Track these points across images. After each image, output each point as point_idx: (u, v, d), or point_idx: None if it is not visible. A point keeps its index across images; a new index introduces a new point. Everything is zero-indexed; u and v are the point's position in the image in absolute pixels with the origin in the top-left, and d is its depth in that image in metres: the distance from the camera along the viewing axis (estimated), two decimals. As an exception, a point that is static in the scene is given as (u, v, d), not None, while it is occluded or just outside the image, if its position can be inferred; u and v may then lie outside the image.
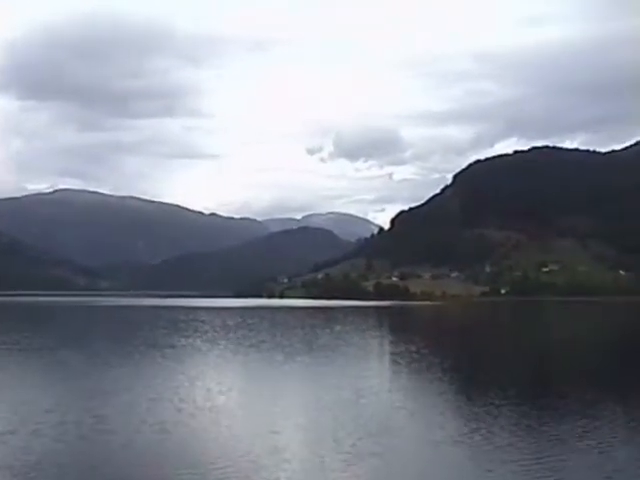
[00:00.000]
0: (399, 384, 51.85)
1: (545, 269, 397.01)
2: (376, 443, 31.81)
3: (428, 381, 53.22)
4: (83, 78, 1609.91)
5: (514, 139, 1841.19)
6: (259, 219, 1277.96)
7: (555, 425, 36.44)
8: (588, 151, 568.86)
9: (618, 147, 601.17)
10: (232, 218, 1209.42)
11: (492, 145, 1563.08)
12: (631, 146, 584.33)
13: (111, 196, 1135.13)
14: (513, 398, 44.81)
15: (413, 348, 78.33)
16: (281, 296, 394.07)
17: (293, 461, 28.84)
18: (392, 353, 75.92)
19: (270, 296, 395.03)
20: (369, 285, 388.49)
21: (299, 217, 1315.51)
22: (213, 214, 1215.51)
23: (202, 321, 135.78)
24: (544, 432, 34.64)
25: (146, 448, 31.11)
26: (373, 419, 37.46)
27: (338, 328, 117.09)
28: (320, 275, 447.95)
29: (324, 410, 40.08)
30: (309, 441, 32.67)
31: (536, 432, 34.68)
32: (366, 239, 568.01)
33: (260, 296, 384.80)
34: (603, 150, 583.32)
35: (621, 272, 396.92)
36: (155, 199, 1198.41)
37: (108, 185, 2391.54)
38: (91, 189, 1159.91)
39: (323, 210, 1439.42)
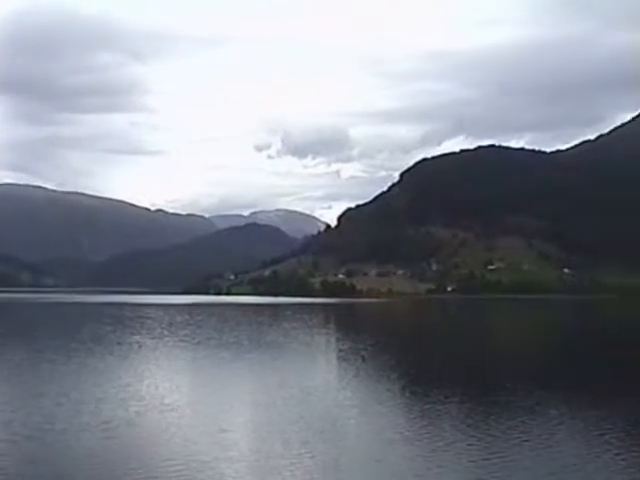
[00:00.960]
0: (348, 381, 51.75)
1: (491, 267, 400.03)
2: (325, 441, 31.89)
3: (376, 378, 53.46)
4: (30, 73, 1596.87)
5: (461, 138, 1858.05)
6: (206, 215, 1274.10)
7: (502, 421, 36.73)
8: (534, 151, 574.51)
9: (563, 147, 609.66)
10: (179, 214, 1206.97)
11: (439, 144, 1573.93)
12: (576, 146, 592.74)
13: (56, 191, 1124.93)
14: (461, 395, 45.16)
15: (361, 345, 78.73)
16: (228, 293, 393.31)
17: (242, 460, 28.74)
18: (340, 350, 76.00)
19: (217, 293, 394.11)
20: (316, 282, 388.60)
21: (246, 214, 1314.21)
22: (160, 210, 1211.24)
23: (149, 318, 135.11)
24: (492, 429, 34.92)
25: (93, 448, 30.58)
26: (322, 417, 37.49)
27: (286, 325, 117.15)
28: (267, 272, 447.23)
29: (273, 408, 40.02)
30: (258, 440, 32.46)
31: (484, 429, 34.89)
32: (313, 236, 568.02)
33: (207, 293, 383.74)
34: (548, 150, 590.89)
35: (565, 270, 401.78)
36: (101, 195, 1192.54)
37: (53, 180, 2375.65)
38: (36, 184, 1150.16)
39: (271, 207, 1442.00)
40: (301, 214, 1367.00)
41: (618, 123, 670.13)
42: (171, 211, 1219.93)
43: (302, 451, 29.91)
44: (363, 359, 64.91)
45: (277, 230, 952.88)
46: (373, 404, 41.91)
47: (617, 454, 30.05)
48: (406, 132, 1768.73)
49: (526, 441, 32.35)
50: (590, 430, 34.87)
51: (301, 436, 32.73)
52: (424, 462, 28.56)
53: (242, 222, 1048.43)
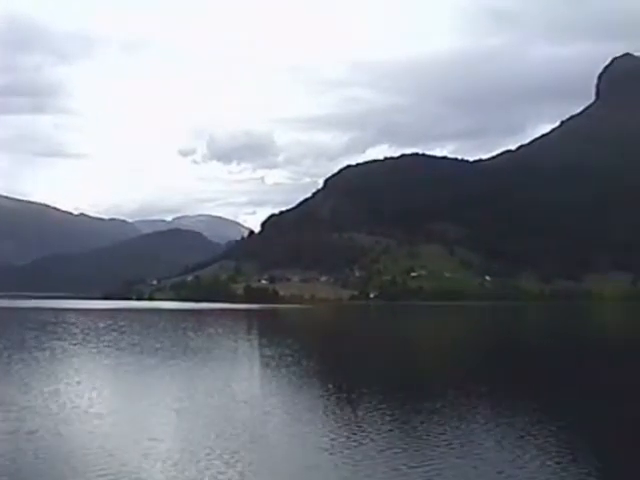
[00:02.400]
0: (275, 388, 51.85)
1: (413, 274, 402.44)
2: (255, 450, 31.85)
3: (303, 385, 53.50)
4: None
5: (385, 146, 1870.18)
6: (129, 220, 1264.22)
7: (429, 427, 37.10)
8: (456, 159, 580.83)
9: (485, 156, 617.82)
10: (102, 219, 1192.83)
11: (364, 151, 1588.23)
12: (497, 155, 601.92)
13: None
14: (388, 401, 45.32)
15: (285, 351, 78.86)
16: (150, 298, 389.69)
17: (170, 470, 28.50)
18: (266, 356, 75.85)
19: (139, 298, 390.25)
20: (238, 288, 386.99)
21: (170, 219, 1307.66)
22: (82, 214, 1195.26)
23: (72, 323, 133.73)
24: (419, 434, 35.29)
25: (17, 459, 29.95)
26: (251, 425, 37.42)
27: (210, 331, 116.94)
28: (189, 277, 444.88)
29: (201, 416, 39.96)
30: (187, 449, 32.13)
31: (411, 434, 35.25)
32: (236, 242, 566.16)
33: (129, 298, 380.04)
34: (471, 159, 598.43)
35: (487, 278, 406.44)
36: (23, 198, 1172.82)
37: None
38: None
39: (194, 212, 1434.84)
40: (225, 220, 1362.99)
41: (538, 134, 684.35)
42: (94, 215, 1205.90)
43: (232, 460, 29.78)
44: (289, 365, 65.17)
45: (200, 235, 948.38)
46: (301, 411, 41.98)
47: (538, 456, 30.55)
48: (331, 139, 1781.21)
49: (454, 447, 32.68)
50: (518, 435, 35.20)
51: (230, 444, 32.62)
52: (355, 469, 28.72)
53: (165, 227, 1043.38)
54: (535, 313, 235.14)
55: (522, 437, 35.14)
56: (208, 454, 30.92)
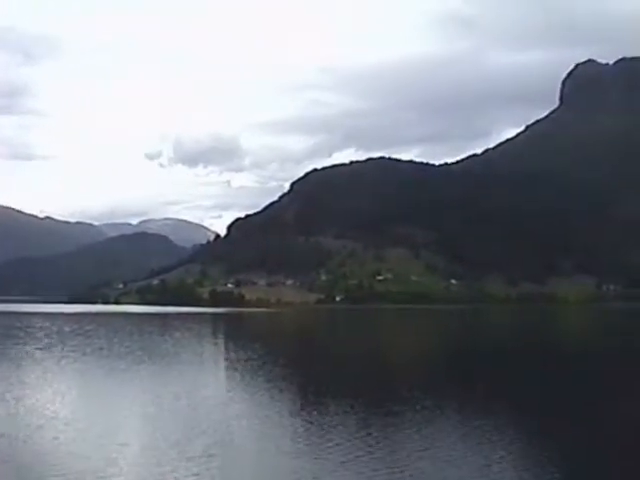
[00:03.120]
0: (240, 392, 51.84)
1: (379, 277, 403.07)
2: (218, 454, 31.79)
3: (270, 388, 53.33)
4: None
5: (352, 150, 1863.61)
6: (95, 224, 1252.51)
7: (396, 430, 37.36)
8: (422, 163, 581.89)
9: (451, 160, 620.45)
10: (68, 222, 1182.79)
11: (330, 155, 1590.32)
12: (463, 159, 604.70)
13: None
14: (354, 405, 45.51)
15: (251, 355, 78.84)
16: (116, 302, 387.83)
17: (136, 475, 28.53)
18: (232, 360, 75.95)
19: (105, 302, 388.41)
20: (204, 292, 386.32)
21: (135, 222, 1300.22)
22: (48, 218, 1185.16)
23: (37, 327, 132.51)
24: (385, 437, 35.48)
25: None
26: (214, 428, 37.39)
27: (177, 335, 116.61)
28: (155, 281, 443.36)
29: (169, 420, 39.94)
30: (155, 454, 32.00)
31: (377, 438, 35.35)
32: (202, 245, 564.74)
33: (95, 302, 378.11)
34: (437, 163, 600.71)
35: (452, 281, 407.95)
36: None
37: None
38: None
39: (160, 216, 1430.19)
40: (191, 223, 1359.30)
41: (504, 138, 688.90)
42: (60, 218, 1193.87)
43: (199, 464, 29.69)
44: (255, 369, 65.14)
45: (166, 239, 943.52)
46: (268, 415, 41.95)
47: (504, 458, 30.72)
48: (298, 143, 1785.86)
49: (420, 450, 32.78)
50: (482, 437, 35.34)
51: (197, 448, 32.52)
52: (321, 472, 28.82)
53: (131, 231, 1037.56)
54: (499, 316, 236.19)
55: (486, 439, 35.39)
56: (175, 458, 30.84)
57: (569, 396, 51.58)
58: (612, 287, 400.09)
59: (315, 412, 43.06)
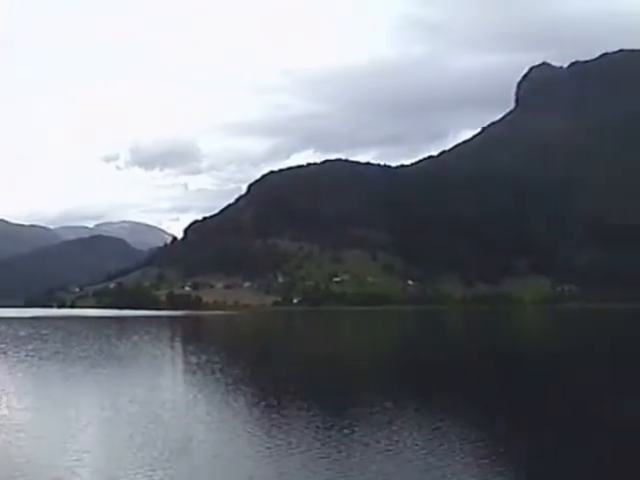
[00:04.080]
0: (202, 395, 51.40)
1: (336, 279, 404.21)
2: (177, 459, 31.46)
3: (229, 392, 52.92)
4: None
5: (310, 152, 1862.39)
6: (50, 227, 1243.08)
7: (356, 432, 37.03)
8: (379, 165, 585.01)
9: (408, 162, 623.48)
10: (22, 225, 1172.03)
11: (288, 157, 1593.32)
12: (419, 161, 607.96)
13: None
14: (313, 407, 45.33)
15: (209, 358, 78.41)
16: (72, 306, 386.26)
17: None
18: (190, 363, 75.37)
19: (61, 306, 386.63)
20: (161, 295, 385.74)
21: (92, 225, 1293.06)
22: (1, 220, 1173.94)
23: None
24: (345, 439, 35.16)
25: None
26: (173, 433, 37.08)
27: (135, 338, 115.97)
28: (112, 284, 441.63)
29: (128, 426, 39.25)
30: (109, 458, 31.67)
31: (338, 440, 35.05)
32: (159, 248, 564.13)
33: (50, 306, 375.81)
34: (394, 165, 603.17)
35: (409, 282, 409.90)
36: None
37: None
38: None
39: (117, 219, 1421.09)
40: (147, 226, 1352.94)
41: (460, 140, 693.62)
42: (13, 221, 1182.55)
43: (158, 469, 29.34)
44: (214, 372, 64.85)
45: (123, 242, 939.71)
46: (227, 418, 41.83)
47: (464, 459, 30.52)
48: (256, 145, 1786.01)
49: (384, 451, 32.65)
50: (447, 438, 35.03)
51: (156, 453, 32.21)
52: (287, 477, 28.72)
53: (87, 234, 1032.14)
54: (455, 317, 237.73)
55: (446, 439, 35.31)
56: (133, 463, 30.49)
57: (528, 396, 51.76)
58: (567, 288, 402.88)
59: (275, 415, 42.82)
